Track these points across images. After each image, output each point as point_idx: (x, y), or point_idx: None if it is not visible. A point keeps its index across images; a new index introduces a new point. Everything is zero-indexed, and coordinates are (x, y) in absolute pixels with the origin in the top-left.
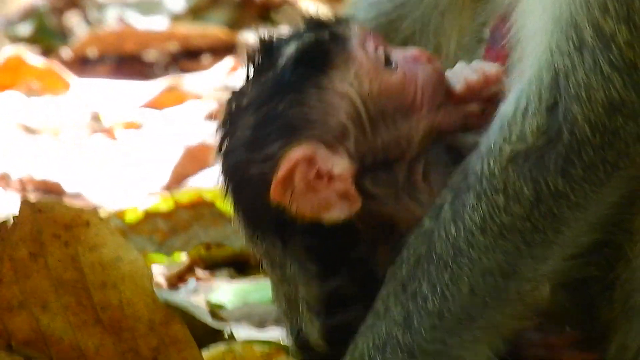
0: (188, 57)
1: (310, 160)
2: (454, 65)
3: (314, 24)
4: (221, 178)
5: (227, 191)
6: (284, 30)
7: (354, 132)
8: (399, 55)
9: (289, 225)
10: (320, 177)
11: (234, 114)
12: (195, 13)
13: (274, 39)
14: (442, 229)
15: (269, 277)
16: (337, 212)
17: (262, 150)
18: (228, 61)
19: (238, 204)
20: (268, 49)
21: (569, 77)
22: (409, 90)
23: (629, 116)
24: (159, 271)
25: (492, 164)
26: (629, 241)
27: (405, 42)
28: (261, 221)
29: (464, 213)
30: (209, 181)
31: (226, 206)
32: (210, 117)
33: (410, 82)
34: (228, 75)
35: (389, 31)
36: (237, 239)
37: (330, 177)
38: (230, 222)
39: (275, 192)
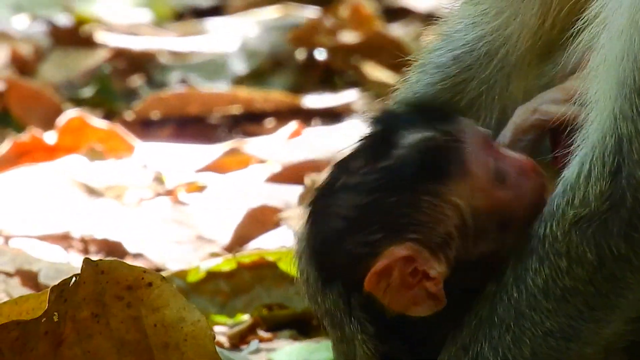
0: (251, 120)
1: (409, 259)
2: None
3: (429, 113)
4: (304, 228)
5: (307, 241)
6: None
7: (457, 241)
8: (509, 164)
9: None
10: (415, 275)
11: (340, 186)
12: (257, 77)
13: (392, 119)
14: (505, 292)
15: (329, 336)
16: (423, 310)
17: (364, 235)
18: (291, 125)
19: (313, 259)
20: (386, 131)
21: (632, 142)
22: (516, 207)
23: None
24: (221, 331)
25: (555, 227)
26: None
27: (470, 105)
28: (332, 283)
29: (527, 276)
30: (272, 243)
31: (289, 267)
32: (273, 180)
33: (519, 200)
34: (290, 140)
35: (455, 94)
36: (299, 300)
37: (424, 277)
38: (292, 284)
39: (369, 283)
